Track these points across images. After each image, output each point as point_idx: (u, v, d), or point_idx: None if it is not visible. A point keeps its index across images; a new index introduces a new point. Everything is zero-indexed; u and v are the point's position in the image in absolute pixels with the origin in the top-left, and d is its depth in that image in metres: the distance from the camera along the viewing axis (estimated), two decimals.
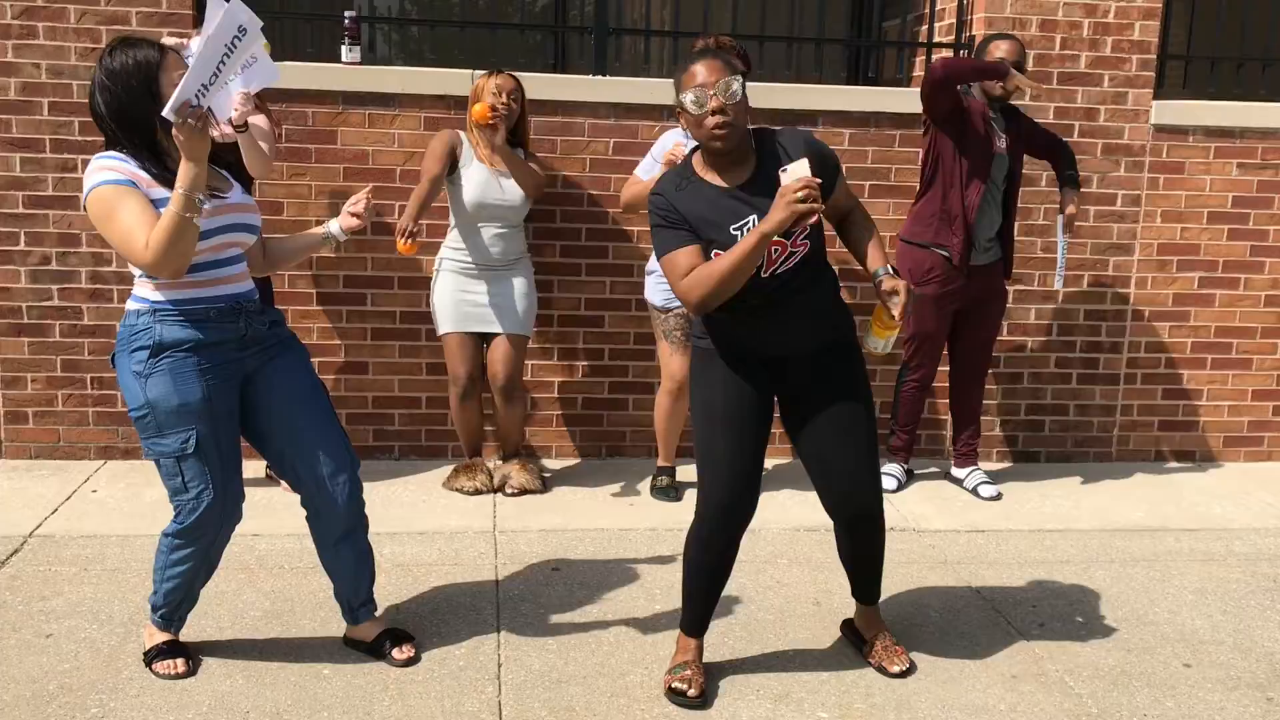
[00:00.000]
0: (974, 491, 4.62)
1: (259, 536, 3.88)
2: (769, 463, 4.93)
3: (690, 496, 4.41)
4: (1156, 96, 4.96)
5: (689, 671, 2.94)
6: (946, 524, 4.29)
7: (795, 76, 5.03)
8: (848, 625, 3.27)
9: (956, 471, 4.74)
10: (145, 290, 2.73)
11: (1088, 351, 5.12)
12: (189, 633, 3.11)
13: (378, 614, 3.18)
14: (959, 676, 3.10)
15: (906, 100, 4.67)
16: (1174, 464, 5.21)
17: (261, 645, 3.14)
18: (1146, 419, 5.21)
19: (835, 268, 3.64)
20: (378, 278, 4.70)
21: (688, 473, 4.72)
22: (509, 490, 4.38)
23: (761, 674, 3.08)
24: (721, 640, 3.26)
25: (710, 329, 2.89)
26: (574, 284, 4.81)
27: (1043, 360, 5.10)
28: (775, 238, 2.62)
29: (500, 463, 4.51)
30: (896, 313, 2.78)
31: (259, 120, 3.98)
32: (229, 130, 3.74)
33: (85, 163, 4.47)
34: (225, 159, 3.06)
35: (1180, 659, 3.26)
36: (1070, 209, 4.42)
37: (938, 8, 5.13)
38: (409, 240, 3.91)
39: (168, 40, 3.50)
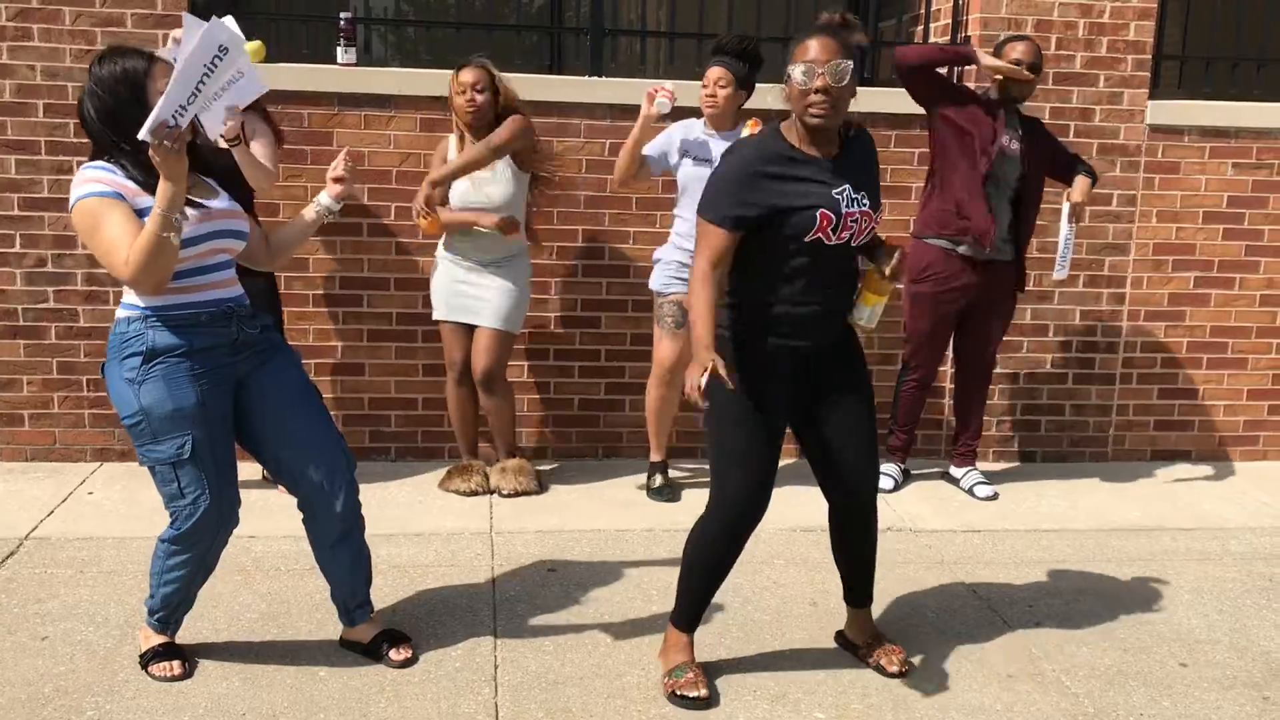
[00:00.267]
0: (970, 492, 4.62)
1: (255, 538, 3.88)
2: None
3: (688, 498, 4.41)
4: (1152, 96, 4.97)
5: (691, 674, 2.94)
6: (943, 524, 4.29)
7: None
8: (840, 636, 3.26)
9: (954, 471, 4.75)
10: (135, 297, 2.72)
11: (1084, 351, 5.12)
12: (185, 635, 3.10)
13: (374, 616, 3.17)
14: (955, 676, 3.11)
15: (903, 101, 4.66)
16: (1170, 464, 5.22)
17: (258, 647, 3.14)
18: (1142, 419, 5.22)
19: None
20: (374, 279, 4.70)
21: (678, 474, 4.72)
22: (503, 493, 4.37)
23: (758, 674, 3.08)
24: (718, 640, 3.26)
25: (751, 319, 2.82)
26: (570, 285, 4.81)
27: (1039, 360, 5.11)
28: (864, 208, 2.75)
29: (496, 464, 4.51)
30: (888, 267, 2.79)
31: (259, 143, 3.96)
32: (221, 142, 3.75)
33: (80, 164, 4.45)
34: (221, 164, 3.06)
35: (1176, 658, 3.27)
36: (1077, 195, 4.29)
37: (933, 8, 5.14)
38: (427, 217, 4.08)
39: (163, 51, 3.53)
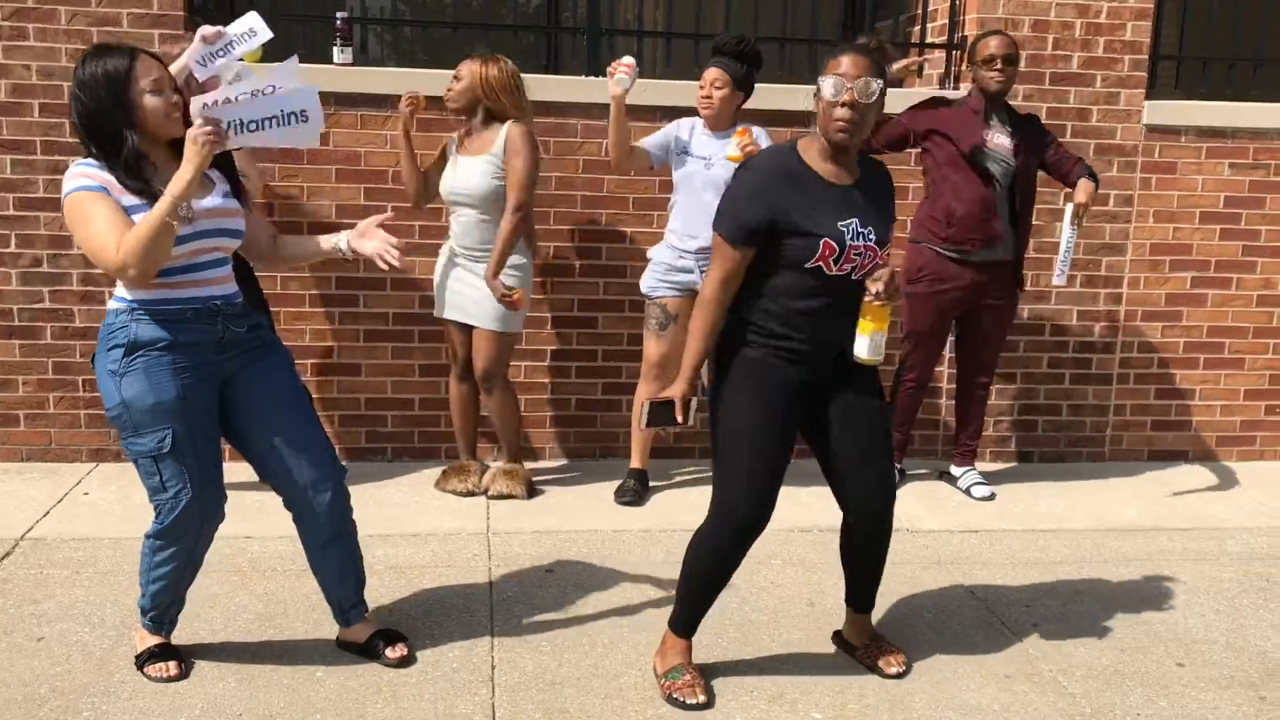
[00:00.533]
0: (967, 492, 4.62)
1: (251, 539, 3.87)
2: None
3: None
4: (1149, 97, 4.98)
5: (688, 676, 2.93)
6: (940, 524, 4.29)
7: (788, 77, 5.02)
8: (838, 636, 3.26)
9: (953, 470, 4.75)
10: (124, 290, 2.73)
11: (1080, 351, 5.13)
12: (181, 635, 3.10)
13: (369, 615, 3.17)
14: (953, 676, 3.10)
15: (900, 101, 4.67)
16: (1167, 464, 5.22)
17: (254, 648, 3.13)
18: (1139, 419, 5.22)
19: None
20: (370, 279, 4.69)
21: (676, 474, 4.72)
22: (489, 495, 4.36)
23: (755, 675, 3.08)
24: (715, 641, 3.25)
25: (753, 334, 2.84)
26: (567, 285, 4.81)
27: (1036, 360, 5.11)
28: (870, 243, 2.76)
29: (491, 465, 4.50)
30: (876, 287, 2.72)
31: (240, 153, 3.96)
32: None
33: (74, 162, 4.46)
34: (224, 157, 3.03)
35: (1173, 658, 3.27)
36: (1081, 196, 4.26)
37: (930, 8, 5.14)
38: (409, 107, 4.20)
39: (206, 29, 3.52)
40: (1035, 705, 2.97)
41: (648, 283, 4.34)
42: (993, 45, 4.28)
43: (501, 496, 4.35)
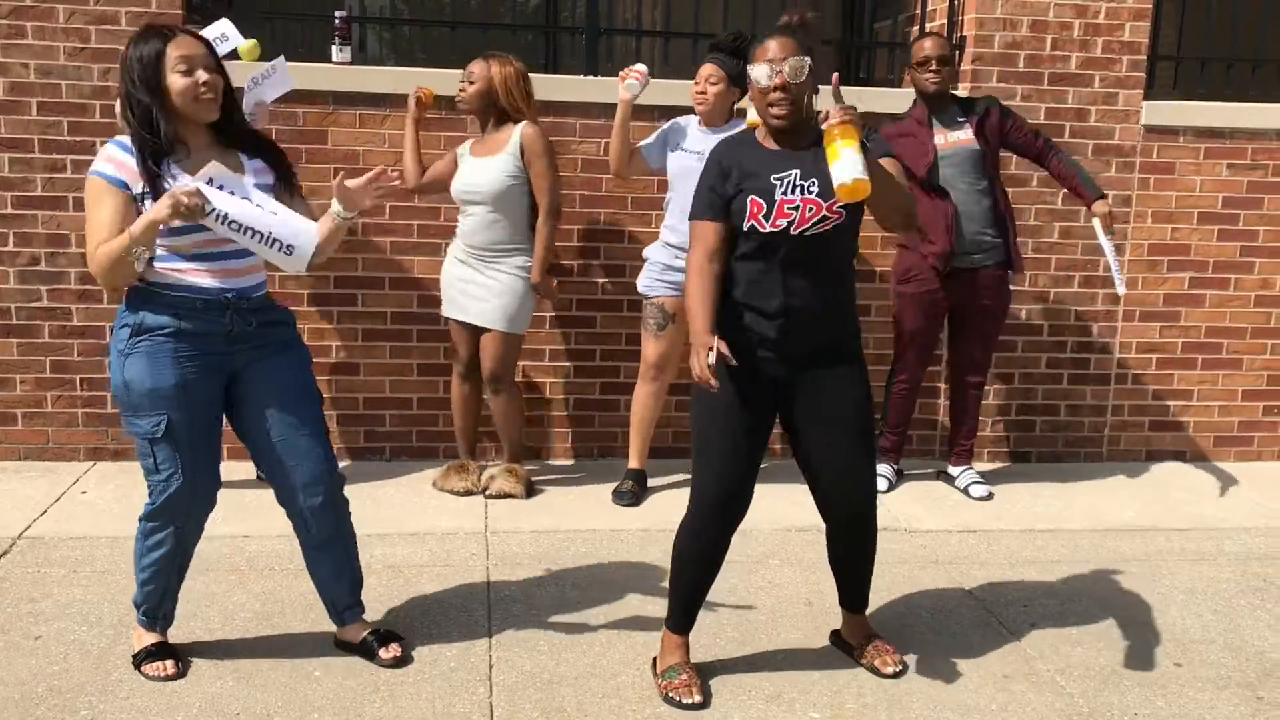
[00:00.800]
0: (965, 491, 4.63)
1: (249, 538, 3.87)
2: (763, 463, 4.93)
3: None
4: (1147, 97, 4.98)
5: (685, 675, 2.94)
6: (938, 524, 4.29)
7: None
8: (835, 636, 3.26)
9: (951, 470, 4.75)
10: (146, 271, 2.73)
11: (1079, 352, 5.13)
12: (178, 634, 3.10)
13: (365, 616, 3.16)
14: (950, 676, 3.10)
15: (899, 101, 4.67)
16: (1165, 464, 5.22)
17: (252, 647, 3.13)
18: (1137, 419, 5.22)
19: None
20: (368, 278, 4.69)
21: (674, 474, 4.72)
22: (488, 493, 4.36)
23: (753, 674, 3.08)
24: (713, 640, 3.25)
25: (726, 316, 2.85)
26: (565, 285, 4.81)
27: (1034, 360, 5.11)
28: (810, 196, 2.71)
29: (490, 464, 4.50)
30: (832, 116, 2.52)
31: None
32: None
33: (74, 163, 4.46)
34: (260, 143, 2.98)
35: (1171, 658, 3.27)
36: (1100, 208, 4.26)
37: (929, 9, 5.14)
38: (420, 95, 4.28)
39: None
40: (1033, 705, 2.98)
41: (644, 282, 4.34)
42: (926, 47, 4.30)
43: (500, 496, 4.35)
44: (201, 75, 2.66)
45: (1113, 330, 5.12)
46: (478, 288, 4.22)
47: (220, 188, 2.66)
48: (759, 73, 2.72)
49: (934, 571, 3.83)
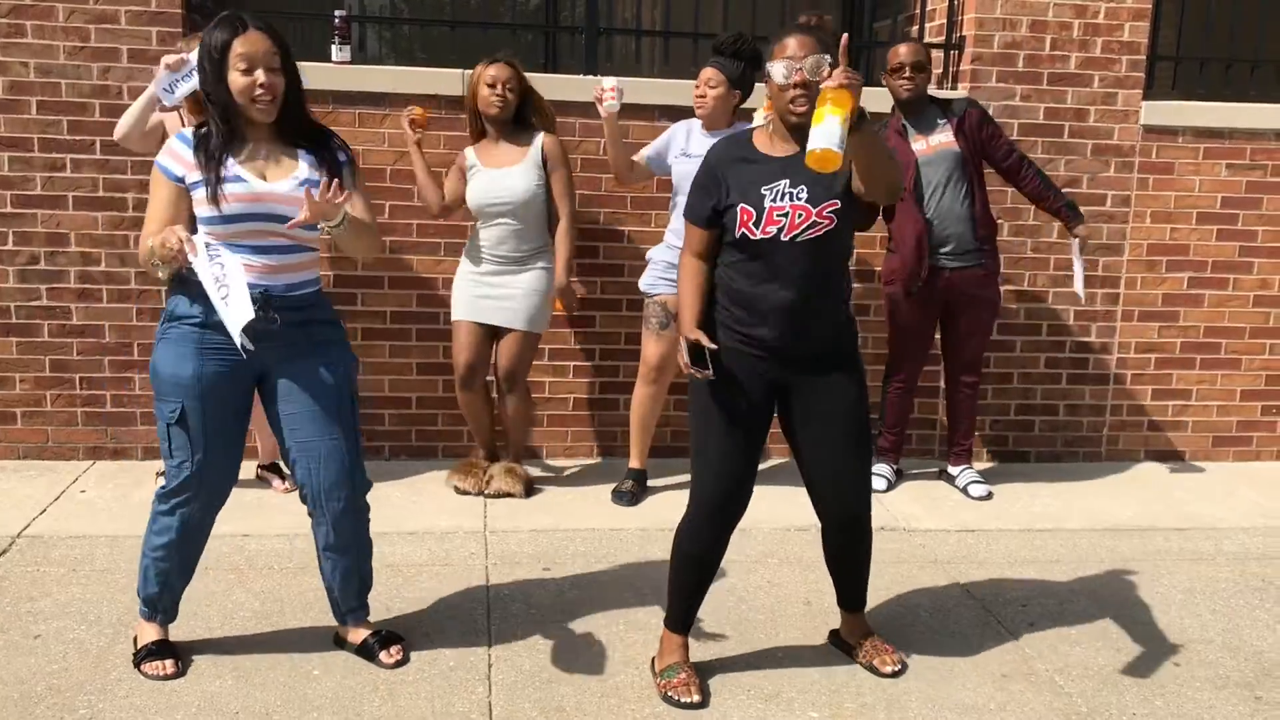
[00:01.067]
0: (964, 491, 4.63)
1: (249, 537, 3.87)
2: (763, 463, 4.93)
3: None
4: (1146, 97, 4.98)
5: (683, 674, 2.94)
6: (936, 524, 4.29)
7: None
8: (834, 635, 3.27)
9: (951, 469, 4.75)
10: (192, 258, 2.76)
11: (1077, 352, 5.13)
12: (178, 633, 3.10)
13: (369, 618, 3.16)
14: (949, 676, 3.11)
15: (890, 101, 4.67)
16: (1163, 464, 5.23)
17: (251, 645, 3.13)
18: (1136, 419, 5.23)
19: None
20: (368, 277, 4.69)
21: (673, 474, 4.72)
22: (487, 492, 4.36)
23: (752, 673, 3.08)
24: (712, 640, 3.26)
25: (719, 313, 2.89)
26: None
27: (1032, 360, 5.12)
28: (799, 202, 2.74)
29: (491, 462, 4.51)
30: (833, 77, 2.46)
31: None
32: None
33: (73, 162, 4.46)
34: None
35: (1169, 658, 3.27)
36: (1082, 230, 4.43)
37: (928, 8, 5.14)
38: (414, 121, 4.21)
39: (168, 57, 3.65)
40: (1032, 704, 2.98)
41: (647, 281, 4.35)
42: (901, 53, 4.32)
43: (500, 495, 4.35)
44: (260, 76, 2.67)
45: (1111, 330, 5.13)
46: (502, 290, 4.24)
47: (208, 246, 2.65)
48: (777, 70, 2.72)
49: (933, 571, 3.84)
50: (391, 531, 3.97)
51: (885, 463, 4.69)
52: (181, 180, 2.72)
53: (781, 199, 2.77)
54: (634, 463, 4.49)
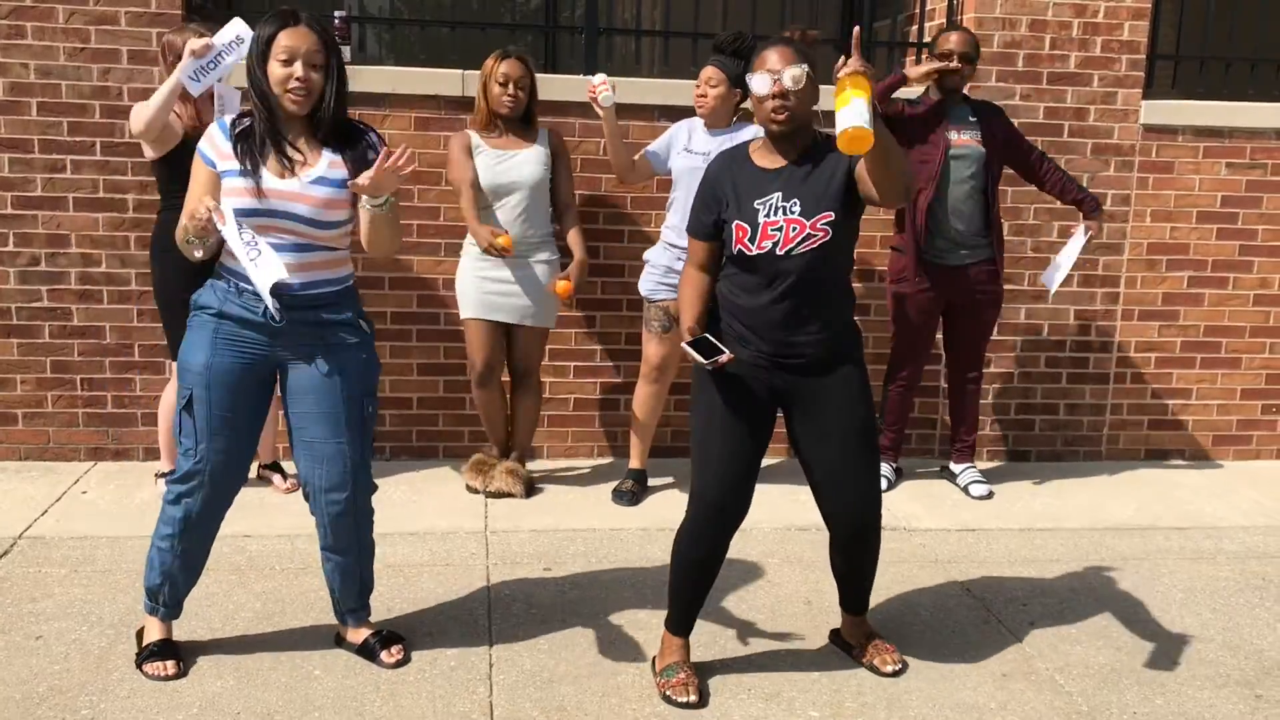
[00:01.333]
0: (965, 490, 4.63)
1: (250, 537, 3.87)
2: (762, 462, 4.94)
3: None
4: (1146, 96, 4.98)
5: (682, 674, 2.94)
6: (937, 523, 4.29)
7: None
8: (835, 634, 3.27)
9: (953, 467, 4.76)
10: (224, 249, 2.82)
11: (1077, 351, 5.13)
12: (179, 633, 3.10)
13: (370, 618, 3.17)
14: (950, 675, 3.11)
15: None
16: (1163, 463, 5.23)
17: (252, 646, 3.13)
18: (1136, 418, 5.23)
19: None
20: (368, 278, 4.69)
21: (673, 474, 4.73)
22: (487, 493, 4.37)
23: (752, 673, 3.08)
24: (712, 639, 3.26)
25: (722, 326, 2.92)
26: None
27: (1033, 360, 5.12)
28: (792, 216, 2.76)
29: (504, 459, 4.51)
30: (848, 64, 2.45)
31: None
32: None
33: (74, 163, 4.47)
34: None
35: (1170, 657, 3.28)
36: (1094, 225, 4.45)
37: (928, 8, 5.14)
38: (499, 244, 4.07)
39: (194, 42, 3.63)
40: (1032, 704, 2.98)
41: (648, 286, 4.34)
42: (952, 40, 4.31)
43: (500, 495, 4.36)
44: (298, 69, 2.70)
45: (1111, 329, 5.13)
46: (512, 284, 4.23)
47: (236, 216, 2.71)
48: (757, 82, 2.75)
49: (933, 570, 3.84)
50: (392, 532, 3.98)
51: (885, 461, 4.69)
52: (215, 165, 2.78)
53: (775, 213, 2.79)
54: (634, 463, 4.49)
